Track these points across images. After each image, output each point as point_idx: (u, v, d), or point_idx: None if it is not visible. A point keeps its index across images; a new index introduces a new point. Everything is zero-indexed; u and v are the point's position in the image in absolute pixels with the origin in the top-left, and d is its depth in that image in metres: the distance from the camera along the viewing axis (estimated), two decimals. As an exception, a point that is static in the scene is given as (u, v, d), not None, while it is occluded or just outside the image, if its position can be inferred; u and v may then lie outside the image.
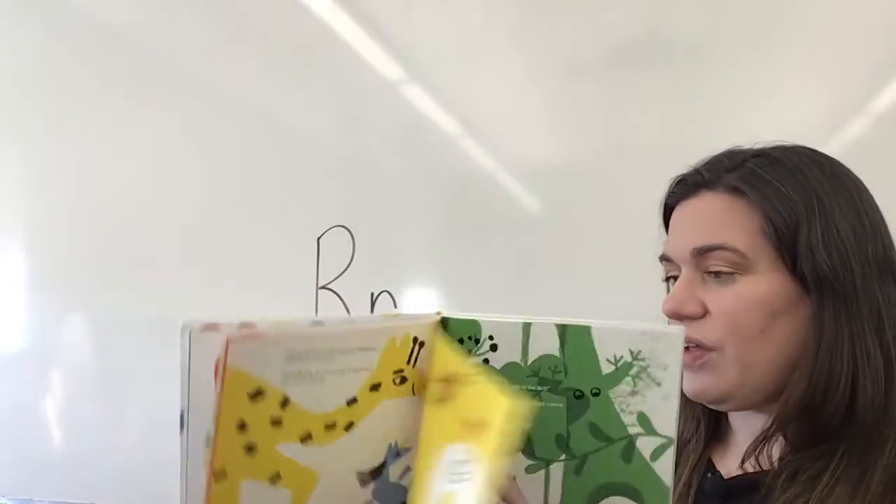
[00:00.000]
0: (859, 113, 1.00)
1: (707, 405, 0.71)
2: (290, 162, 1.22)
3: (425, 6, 1.18)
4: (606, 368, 0.60)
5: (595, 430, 0.61)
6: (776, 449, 0.67)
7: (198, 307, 1.17)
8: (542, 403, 0.61)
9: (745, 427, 0.70)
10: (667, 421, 0.59)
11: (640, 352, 0.60)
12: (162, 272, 1.25)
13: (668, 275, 0.72)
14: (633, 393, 0.60)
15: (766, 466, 0.66)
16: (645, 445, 0.60)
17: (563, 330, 0.61)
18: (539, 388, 0.61)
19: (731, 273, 0.66)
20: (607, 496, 0.61)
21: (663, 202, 0.75)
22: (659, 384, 0.60)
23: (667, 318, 0.68)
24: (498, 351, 0.61)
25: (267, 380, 0.51)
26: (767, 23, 1.04)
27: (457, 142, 1.16)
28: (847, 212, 0.66)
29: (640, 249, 1.06)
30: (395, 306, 1.14)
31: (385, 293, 1.11)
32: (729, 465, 0.71)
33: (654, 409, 0.60)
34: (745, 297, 0.66)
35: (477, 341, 0.61)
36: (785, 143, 0.70)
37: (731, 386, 0.66)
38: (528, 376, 0.61)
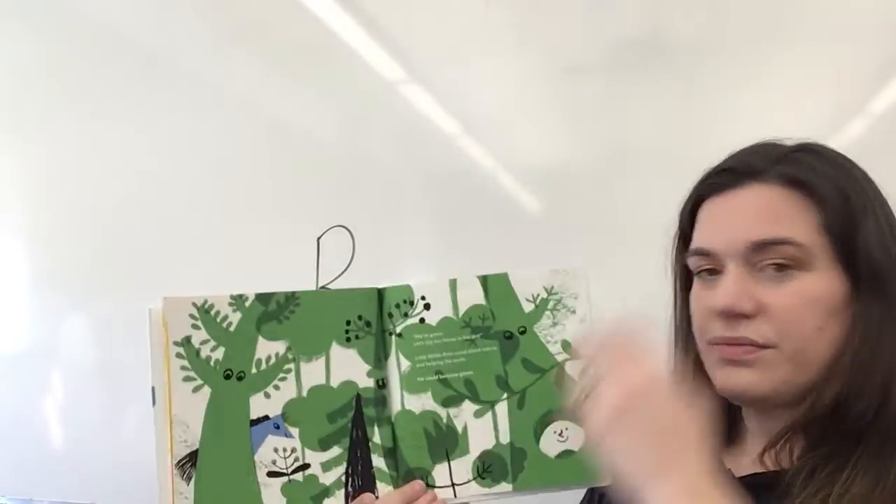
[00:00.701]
0: (859, 113, 1.00)
1: (739, 403, 0.68)
2: (289, 162, 1.22)
3: (425, 6, 1.18)
4: (528, 307, 0.68)
5: (528, 365, 0.68)
6: (794, 448, 0.65)
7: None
8: (479, 350, 0.68)
9: (762, 429, 0.68)
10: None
11: (552, 287, 0.68)
12: (162, 272, 1.25)
13: (702, 268, 0.68)
14: (554, 324, 0.68)
15: (779, 466, 0.64)
16: (573, 369, 0.66)
17: (484, 280, 0.69)
18: (473, 336, 0.68)
19: (790, 269, 0.64)
20: (550, 423, 0.67)
21: (693, 194, 0.71)
22: (574, 311, 0.68)
23: (715, 313, 0.65)
24: (431, 309, 0.69)
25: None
26: (767, 23, 1.04)
27: (457, 142, 1.16)
28: (885, 208, 0.66)
29: (641, 249, 1.06)
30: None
31: (385, 293, 1.12)
32: (740, 466, 0.69)
33: (574, 335, 0.68)
34: (805, 295, 0.63)
35: (411, 303, 0.69)
36: (804, 140, 0.69)
37: (778, 384, 0.64)
38: (462, 327, 0.68)
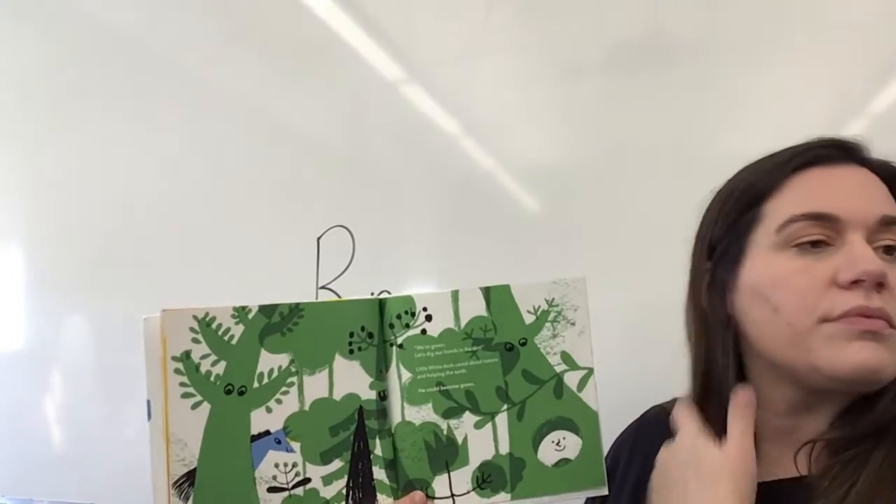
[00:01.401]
0: (859, 113, 1.00)
1: (855, 387, 0.63)
2: (289, 162, 1.22)
3: (425, 6, 1.18)
4: (528, 319, 0.69)
5: (528, 376, 0.69)
6: (818, 453, 0.62)
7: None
8: (480, 361, 0.69)
9: (786, 431, 0.66)
10: (585, 354, 0.69)
11: (553, 299, 0.69)
12: (162, 272, 1.25)
13: (808, 238, 0.63)
14: (554, 336, 0.69)
15: (795, 472, 0.62)
16: (571, 379, 0.69)
17: (486, 292, 0.70)
18: (474, 347, 0.69)
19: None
20: (548, 433, 0.68)
21: (788, 161, 0.67)
22: (573, 323, 0.69)
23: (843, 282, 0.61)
24: (433, 320, 0.69)
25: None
26: (767, 23, 1.04)
27: (457, 142, 1.16)
28: None
29: (641, 249, 1.06)
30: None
31: (385, 293, 1.12)
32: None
33: (572, 346, 0.69)
34: None
35: (413, 314, 0.69)
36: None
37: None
38: (464, 339, 0.69)
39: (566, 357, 0.69)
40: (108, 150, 1.29)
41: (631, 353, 0.99)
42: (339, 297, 1.16)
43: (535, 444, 0.68)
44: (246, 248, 1.22)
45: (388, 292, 1.19)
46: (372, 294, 1.20)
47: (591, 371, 0.69)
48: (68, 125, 1.32)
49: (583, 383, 0.69)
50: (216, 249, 1.24)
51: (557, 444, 0.68)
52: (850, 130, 1.02)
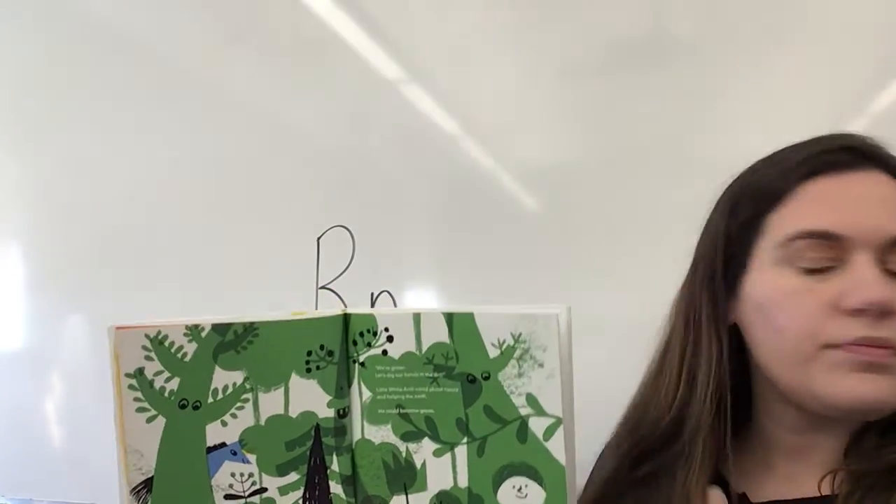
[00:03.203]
0: (859, 113, 1.00)
1: (857, 417, 0.61)
2: (289, 162, 1.22)
3: (425, 6, 1.18)
4: (493, 353, 0.63)
5: (490, 413, 0.63)
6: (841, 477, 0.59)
7: (197, 307, 1.17)
8: (441, 389, 0.64)
9: (800, 449, 0.63)
10: (553, 400, 0.61)
11: (520, 334, 0.61)
12: (161, 272, 1.25)
13: (810, 263, 0.60)
14: (519, 375, 0.62)
15: (815, 491, 0.59)
16: (536, 425, 0.62)
17: (449, 318, 0.64)
18: (435, 374, 0.64)
19: None
20: (510, 476, 0.63)
21: (795, 169, 0.62)
22: (541, 365, 0.61)
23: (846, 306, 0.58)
24: (395, 342, 0.65)
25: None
26: (767, 23, 1.04)
27: (457, 142, 1.16)
28: None
29: (641, 249, 1.06)
30: (395, 305, 1.14)
31: (385, 293, 1.11)
32: (759, 491, 0.64)
33: (539, 389, 0.61)
34: None
35: (375, 333, 0.65)
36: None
37: None
38: (425, 364, 0.64)
39: (532, 400, 0.62)
40: (108, 150, 1.29)
41: (631, 354, 0.99)
42: (339, 297, 1.16)
43: (495, 486, 0.63)
44: (246, 248, 1.22)
45: (389, 293, 1.18)
46: (372, 294, 1.20)
47: (559, 420, 0.61)
48: (68, 125, 1.31)
49: (549, 432, 0.61)
50: (216, 249, 1.24)
51: (519, 490, 0.63)
52: (849, 130, 1.02)
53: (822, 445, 0.62)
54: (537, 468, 0.62)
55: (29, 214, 1.35)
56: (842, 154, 0.61)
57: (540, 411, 0.61)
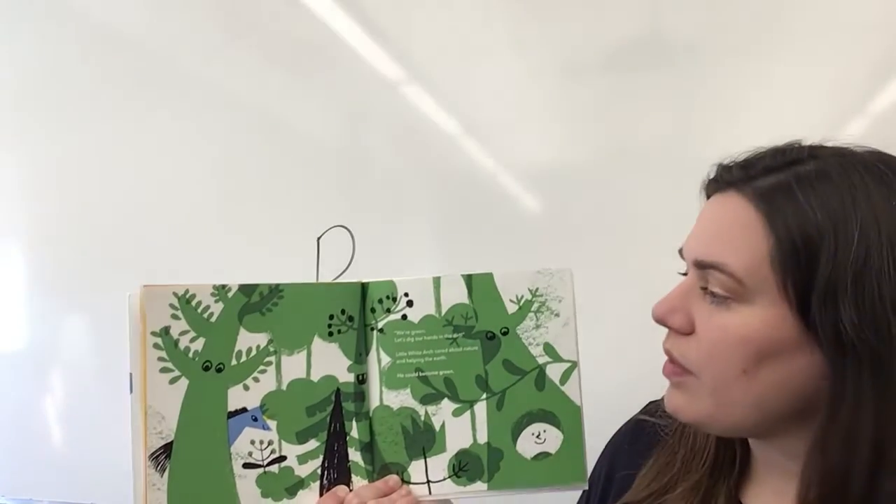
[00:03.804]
0: (859, 113, 1.00)
1: (706, 431, 0.64)
2: (290, 162, 1.22)
3: (425, 6, 1.18)
4: (511, 308, 0.68)
5: (509, 366, 0.68)
6: None
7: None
8: (460, 349, 0.68)
9: (763, 458, 0.64)
10: (569, 346, 0.68)
11: (537, 289, 0.68)
12: (162, 272, 1.24)
13: (683, 271, 0.64)
14: (537, 326, 0.68)
15: None
16: (553, 372, 0.68)
17: (469, 279, 0.69)
18: (455, 335, 0.68)
19: (726, 298, 0.57)
20: (529, 424, 0.67)
21: (703, 189, 0.64)
22: (557, 314, 0.68)
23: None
24: (414, 306, 0.69)
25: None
26: (767, 23, 1.04)
27: (457, 142, 1.16)
28: None
29: (641, 249, 1.06)
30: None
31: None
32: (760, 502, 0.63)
33: (556, 338, 0.68)
34: (730, 332, 0.56)
35: (394, 299, 0.69)
36: (859, 147, 0.58)
37: (703, 416, 0.59)
38: (444, 325, 0.68)
39: (549, 349, 0.68)
40: (108, 150, 1.29)
41: (630, 352, 0.99)
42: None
43: (515, 436, 0.67)
44: (246, 247, 1.22)
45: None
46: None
47: (574, 364, 0.68)
48: (68, 125, 1.31)
49: (566, 376, 0.68)
50: (216, 249, 1.24)
51: (537, 436, 0.67)
52: (850, 130, 1.02)
53: (773, 460, 0.62)
54: (554, 412, 0.67)
55: (29, 214, 1.35)
56: (714, 175, 0.62)
57: (557, 358, 0.68)
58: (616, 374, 0.96)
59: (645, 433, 0.72)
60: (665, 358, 0.62)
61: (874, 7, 1.00)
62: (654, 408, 0.74)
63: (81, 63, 1.31)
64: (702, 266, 0.59)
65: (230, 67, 1.25)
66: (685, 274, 0.63)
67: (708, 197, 0.63)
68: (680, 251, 0.64)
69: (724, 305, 0.57)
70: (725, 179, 0.61)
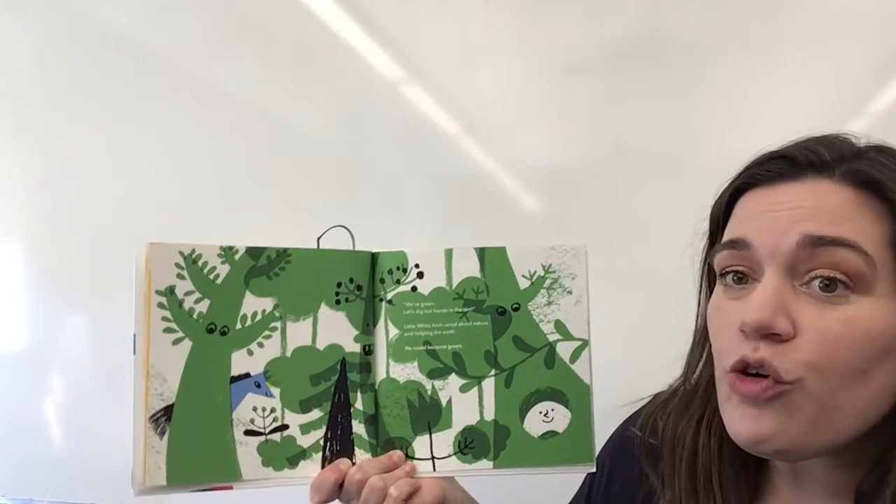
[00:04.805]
0: (859, 113, 1.00)
1: (761, 455, 0.55)
2: (289, 162, 1.22)
3: (425, 6, 1.18)
4: (523, 284, 0.67)
5: (519, 343, 0.67)
6: None
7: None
8: (470, 323, 0.67)
9: (792, 474, 0.59)
10: (580, 324, 0.67)
11: (550, 265, 0.67)
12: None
13: (730, 269, 0.56)
14: (549, 303, 0.67)
15: None
16: (564, 350, 0.66)
17: (481, 253, 0.67)
18: (465, 308, 0.67)
19: (844, 287, 0.50)
20: (537, 402, 0.66)
21: (734, 181, 0.59)
22: (570, 292, 0.67)
23: (747, 328, 0.52)
24: (424, 277, 0.67)
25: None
26: (767, 23, 1.04)
27: (457, 142, 1.16)
28: None
29: (641, 249, 1.06)
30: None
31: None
32: None
33: (568, 316, 0.67)
34: (858, 325, 0.50)
35: (405, 270, 0.67)
36: (881, 141, 0.57)
37: (801, 433, 0.51)
38: (454, 299, 0.67)
39: (560, 326, 0.67)
40: (108, 150, 1.29)
41: (629, 352, 0.99)
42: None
43: (522, 414, 0.66)
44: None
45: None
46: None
47: (585, 342, 0.66)
48: (68, 125, 1.31)
49: (576, 355, 0.66)
50: (216, 249, 1.23)
51: (545, 415, 0.66)
52: (850, 130, 1.02)
53: (816, 472, 0.57)
54: (563, 391, 0.66)
55: (29, 214, 1.35)
56: (776, 164, 0.56)
57: (568, 336, 0.66)
58: (616, 372, 0.96)
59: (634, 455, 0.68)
60: (734, 378, 0.53)
61: (874, 7, 1.00)
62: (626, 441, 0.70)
63: (81, 63, 1.31)
64: (820, 244, 0.50)
65: (230, 67, 1.25)
66: (741, 276, 0.55)
67: (747, 188, 0.57)
68: (733, 242, 0.55)
69: (839, 297, 0.50)
70: (801, 165, 0.54)
